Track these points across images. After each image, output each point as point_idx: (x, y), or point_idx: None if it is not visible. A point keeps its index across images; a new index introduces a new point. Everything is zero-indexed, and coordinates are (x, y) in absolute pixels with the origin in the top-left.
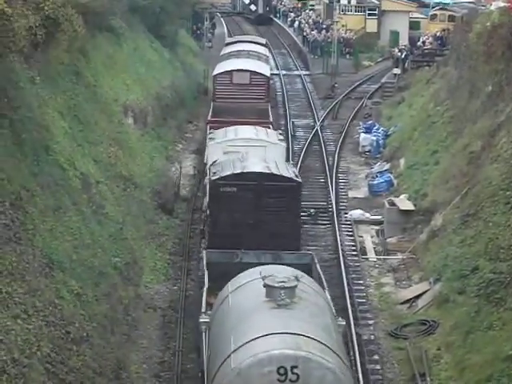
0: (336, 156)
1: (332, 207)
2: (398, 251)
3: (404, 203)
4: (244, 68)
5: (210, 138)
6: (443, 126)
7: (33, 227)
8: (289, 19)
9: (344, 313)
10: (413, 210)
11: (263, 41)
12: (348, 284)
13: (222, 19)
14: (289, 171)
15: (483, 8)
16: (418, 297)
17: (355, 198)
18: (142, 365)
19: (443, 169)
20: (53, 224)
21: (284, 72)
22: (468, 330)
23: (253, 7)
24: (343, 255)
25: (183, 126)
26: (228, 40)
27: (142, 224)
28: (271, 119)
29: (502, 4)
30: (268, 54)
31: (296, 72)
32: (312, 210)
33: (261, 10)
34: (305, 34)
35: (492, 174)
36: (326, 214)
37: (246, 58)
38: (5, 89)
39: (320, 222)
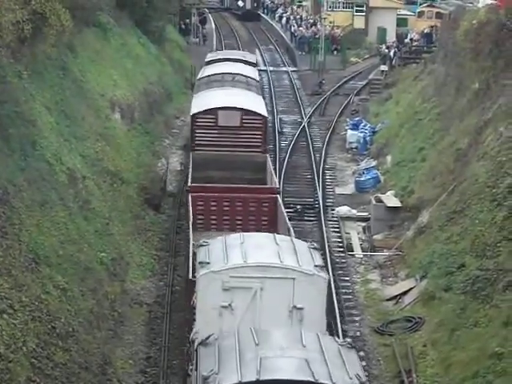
0: (323, 152)
1: (319, 204)
2: (385, 248)
3: (391, 200)
4: (233, 105)
5: (201, 264)
6: (430, 122)
7: (19, 222)
8: (277, 15)
9: (330, 309)
10: (399, 207)
11: (253, 58)
12: (334, 281)
13: (209, 15)
14: None
15: (470, 5)
16: (404, 293)
17: (342, 194)
18: (128, 360)
19: (430, 166)
20: (39, 219)
21: (271, 68)
22: (454, 327)
23: (240, 3)
24: (330, 251)
25: (170, 121)
26: (209, 57)
27: (128, 219)
28: (274, 178)
29: (489, 1)
30: (258, 77)
31: (283, 68)
32: (299, 207)
33: (248, 6)
34: (292, 30)
35: (478, 172)
36: (312, 211)
37: (233, 86)
38: None
39: (307, 218)
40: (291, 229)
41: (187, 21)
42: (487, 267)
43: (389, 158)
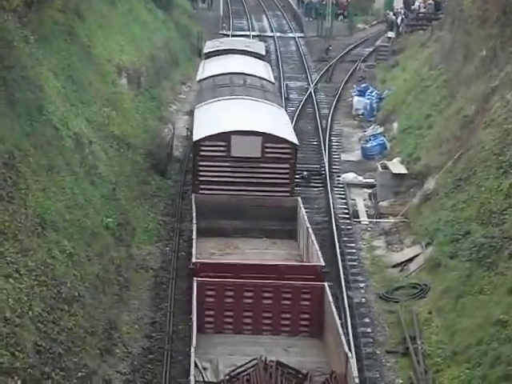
0: (329, 119)
1: (325, 170)
2: (391, 215)
3: (397, 167)
4: (252, 128)
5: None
6: (437, 89)
7: (26, 187)
8: None
9: (336, 275)
10: (405, 174)
11: (261, 48)
12: (340, 247)
13: None
14: None
15: None
16: (409, 260)
17: (348, 161)
18: (134, 325)
19: (436, 133)
20: (46, 184)
21: (278, 34)
22: (459, 294)
23: None
24: (335, 218)
25: (177, 87)
26: (209, 47)
27: (134, 184)
28: (309, 227)
29: None
30: (272, 77)
31: (290, 34)
32: (305, 173)
33: None
34: None
35: (485, 139)
36: (318, 177)
37: (246, 94)
38: None
39: (313, 184)
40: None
41: None
42: (493, 235)
43: (395, 124)
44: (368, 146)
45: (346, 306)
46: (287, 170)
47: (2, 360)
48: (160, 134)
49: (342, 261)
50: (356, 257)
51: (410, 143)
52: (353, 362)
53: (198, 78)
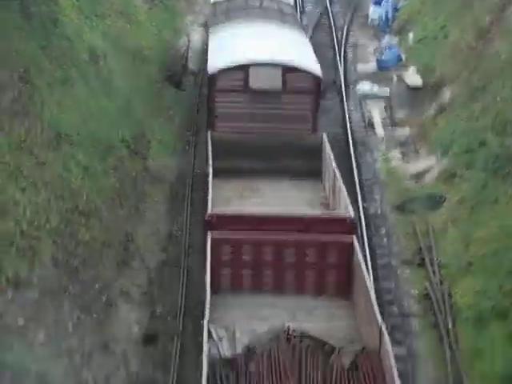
0: (345, 30)
1: (340, 81)
2: (406, 125)
3: (412, 78)
4: (271, 59)
5: None
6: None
7: (41, 100)
8: None
9: (351, 187)
10: (421, 85)
11: None
12: (355, 158)
13: None
14: None
15: None
16: (425, 171)
17: (364, 72)
18: (150, 238)
19: (452, 43)
20: (61, 97)
21: None
22: (474, 205)
23: None
24: (351, 129)
25: None
26: None
27: (149, 97)
28: (335, 169)
29: None
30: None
31: None
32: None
33: None
34: None
35: (501, 49)
36: (334, 88)
37: (264, 19)
38: None
39: (328, 95)
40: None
41: None
42: (508, 145)
43: (411, 35)
44: (383, 57)
45: (362, 217)
46: (310, 105)
47: (20, 272)
48: (175, 46)
49: (358, 172)
50: (371, 168)
51: (426, 54)
52: (387, 336)
53: (212, 1)
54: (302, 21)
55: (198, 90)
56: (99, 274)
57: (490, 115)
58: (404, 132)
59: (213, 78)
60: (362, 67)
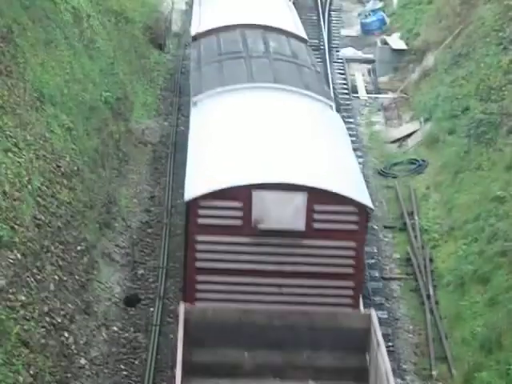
0: None
1: (324, 45)
2: (389, 90)
3: (396, 42)
4: (288, 179)
5: None
6: None
7: (24, 61)
8: None
9: None
10: (405, 49)
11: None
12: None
13: None
14: None
15: None
16: (408, 136)
17: (347, 36)
18: (133, 199)
19: (436, 8)
20: (44, 58)
21: None
22: (457, 170)
23: None
24: (334, 93)
25: None
26: None
27: (133, 59)
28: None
29: None
30: (304, 31)
31: None
32: None
33: None
34: None
35: (485, 15)
36: (317, 52)
37: (270, 74)
38: None
39: None
40: None
41: None
42: (491, 111)
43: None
44: (367, 21)
45: None
46: (351, 255)
47: (1, 233)
48: (158, 8)
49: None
50: (354, 132)
51: (410, 19)
52: None
53: (192, 31)
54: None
55: (181, 52)
56: (81, 235)
57: (474, 81)
58: (387, 96)
59: (191, 209)
60: (346, 31)
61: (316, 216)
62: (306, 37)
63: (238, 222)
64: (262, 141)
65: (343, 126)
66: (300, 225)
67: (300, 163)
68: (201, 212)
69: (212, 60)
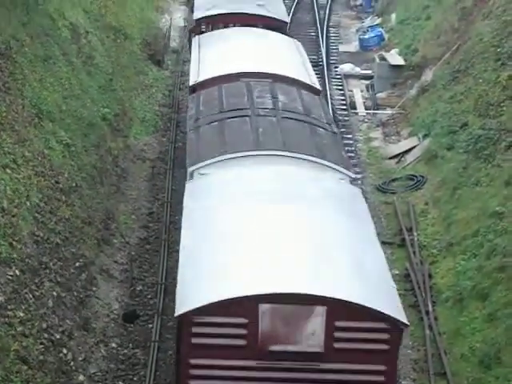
0: (327, 10)
1: (322, 61)
2: (388, 106)
3: (394, 58)
4: (307, 289)
5: None
6: None
7: (22, 77)
8: None
9: None
10: (403, 65)
11: (279, 8)
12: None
13: None
14: None
15: None
16: (406, 152)
17: (346, 52)
18: (131, 215)
19: (434, 24)
20: (42, 74)
21: None
22: (456, 186)
23: None
24: (333, 109)
25: None
26: (200, 12)
27: (131, 75)
28: None
29: None
30: (316, 81)
31: None
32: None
33: None
34: None
35: (483, 31)
36: (316, 68)
37: (280, 139)
38: None
39: None
40: None
41: None
42: (490, 127)
43: (393, 15)
44: (366, 37)
45: None
46: (381, 381)
47: (0, 250)
48: (157, 24)
49: None
50: (353, 148)
51: (408, 34)
52: None
53: (191, 80)
54: None
55: (180, 68)
56: (80, 251)
57: (473, 97)
58: (385, 112)
59: (184, 324)
60: (344, 47)
61: (337, 334)
62: (318, 86)
63: (241, 341)
64: (270, 237)
65: (366, 207)
66: (318, 344)
67: (317, 268)
68: (195, 328)
69: (212, 119)
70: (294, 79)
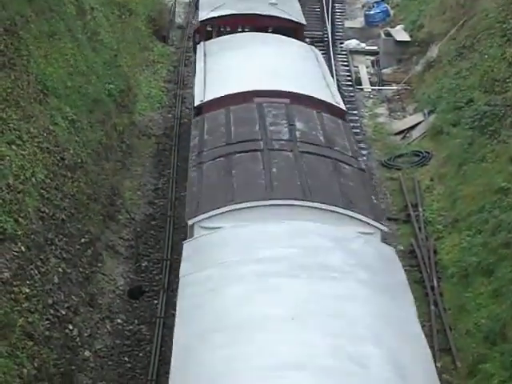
0: None
1: (328, 37)
2: (393, 82)
3: (400, 34)
4: None
5: None
6: None
7: (27, 53)
8: None
9: None
10: (409, 41)
11: (294, 7)
12: None
13: None
14: None
15: None
16: (412, 128)
17: (351, 28)
18: (137, 191)
19: (440, 0)
20: (47, 50)
21: None
22: (461, 162)
23: None
24: (338, 85)
25: None
26: (205, 13)
27: (136, 51)
28: None
29: None
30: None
31: None
32: (308, 40)
33: None
34: None
35: (489, 6)
36: (321, 44)
37: (301, 194)
38: None
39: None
40: None
41: None
42: (495, 103)
43: None
44: (371, 12)
45: None
46: None
47: (5, 226)
48: (162, 0)
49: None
50: (358, 124)
51: (414, 10)
52: None
53: (196, 100)
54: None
55: (185, 44)
56: (85, 227)
57: (478, 73)
58: (391, 88)
59: None
60: (349, 23)
61: None
62: (343, 106)
63: None
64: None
65: (404, 277)
66: None
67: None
68: None
69: (218, 153)
70: (314, 99)
